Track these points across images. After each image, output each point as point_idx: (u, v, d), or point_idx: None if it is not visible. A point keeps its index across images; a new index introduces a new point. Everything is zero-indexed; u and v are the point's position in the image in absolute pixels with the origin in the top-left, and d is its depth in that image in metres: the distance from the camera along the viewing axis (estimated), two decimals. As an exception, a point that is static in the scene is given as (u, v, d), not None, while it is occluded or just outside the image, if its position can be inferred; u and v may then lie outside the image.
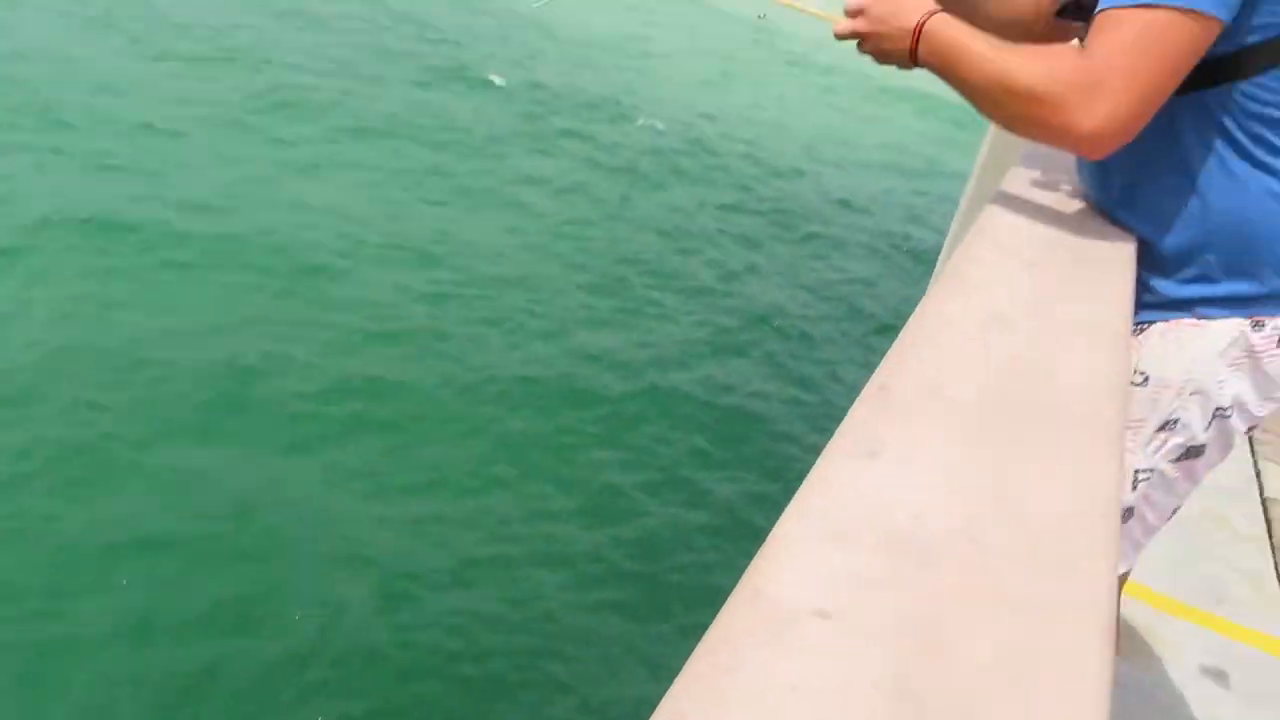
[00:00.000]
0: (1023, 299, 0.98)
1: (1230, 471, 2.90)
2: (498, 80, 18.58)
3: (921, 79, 1.45)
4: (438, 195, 13.77)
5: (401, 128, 16.38)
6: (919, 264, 11.74)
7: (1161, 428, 1.31)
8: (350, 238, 11.82)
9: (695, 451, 8.21)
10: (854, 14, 1.24)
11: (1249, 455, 3.00)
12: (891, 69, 1.32)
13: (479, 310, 10.68)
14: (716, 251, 14.35)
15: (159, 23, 18.65)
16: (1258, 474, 2.89)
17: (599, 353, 10.28)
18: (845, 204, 18.53)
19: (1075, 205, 1.35)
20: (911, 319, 0.88)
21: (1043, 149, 1.57)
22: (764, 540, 0.57)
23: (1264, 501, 2.75)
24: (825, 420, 7.99)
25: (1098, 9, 1.08)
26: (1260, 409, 1.32)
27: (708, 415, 9.53)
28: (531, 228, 13.14)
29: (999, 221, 1.22)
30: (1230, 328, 1.25)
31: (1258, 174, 1.19)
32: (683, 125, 21.22)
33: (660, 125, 19.25)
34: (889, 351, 0.81)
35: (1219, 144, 1.18)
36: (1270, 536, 2.59)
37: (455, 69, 19.95)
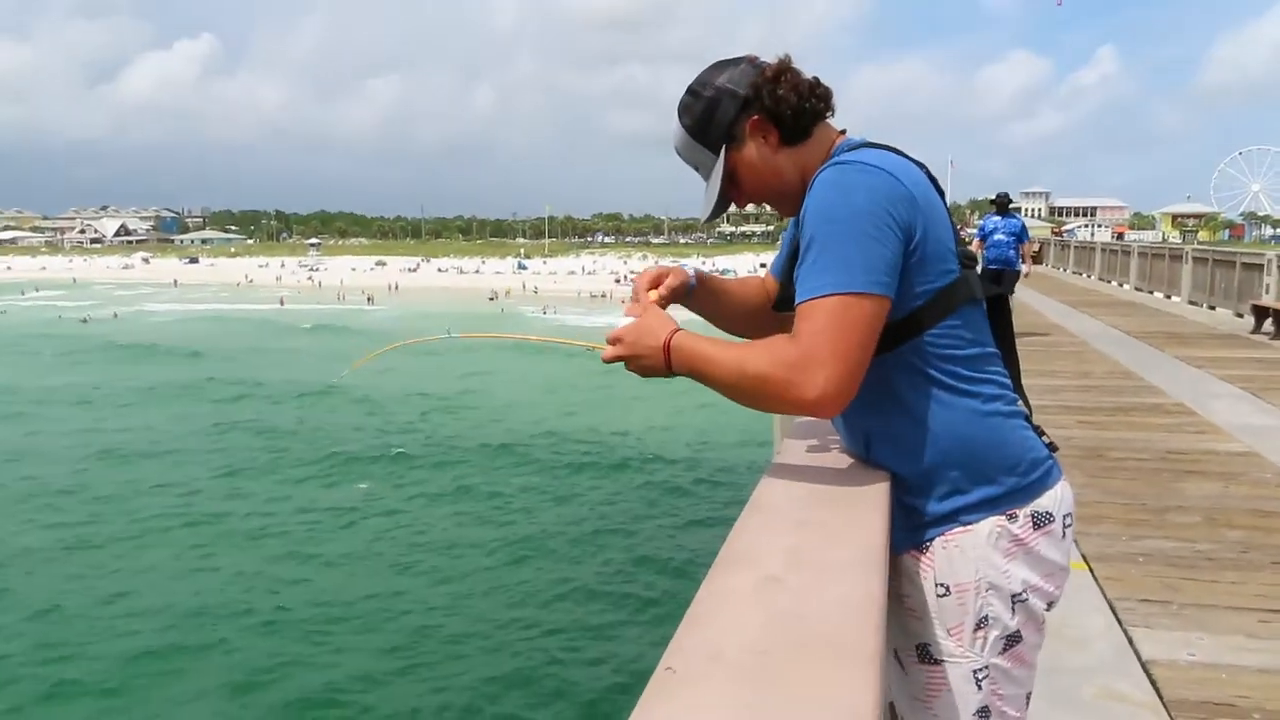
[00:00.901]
0: (791, 556, 1.15)
1: (1107, 644, 3.05)
2: (362, 486, 19.19)
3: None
4: (350, 576, 14.17)
5: (284, 528, 16.59)
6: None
7: (978, 627, 1.46)
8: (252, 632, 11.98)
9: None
10: (614, 342, 1.50)
11: (1117, 625, 3.18)
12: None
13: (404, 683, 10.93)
14: (626, 543, 15.66)
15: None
16: (1130, 641, 3.05)
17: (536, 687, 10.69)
18: (710, 483, 19.79)
19: (838, 460, 1.58)
20: (694, 599, 1.02)
21: (809, 420, 1.85)
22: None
23: (1144, 665, 2.89)
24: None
25: (795, 304, 1.37)
26: (1050, 585, 1.50)
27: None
28: (450, 586, 13.60)
29: (771, 490, 1.42)
30: (991, 526, 1.46)
31: (962, 400, 1.46)
32: (558, 449, 22.62)
33: (534, 465, 20.54)
34: (674, 634, 0.94)
35: (924, 384, 1.46)
36: (1161, 698, 2.70)
37: (318, 475, 20.61)
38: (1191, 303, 15.58)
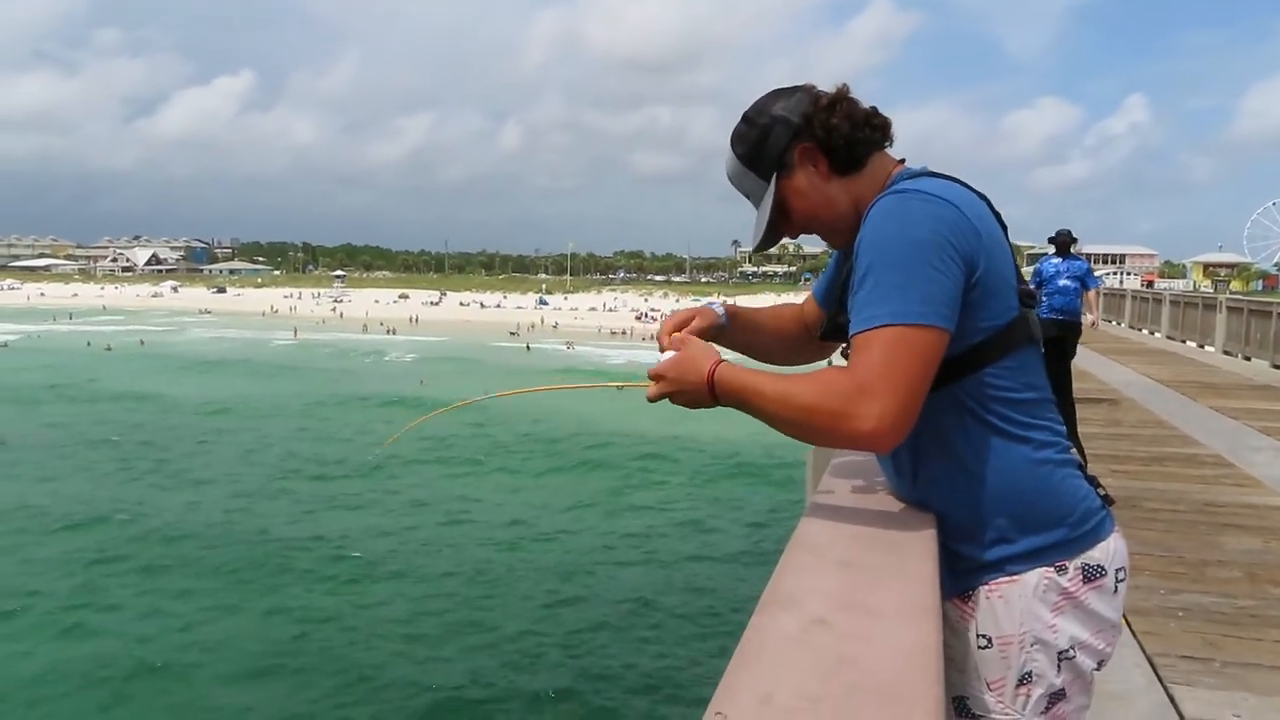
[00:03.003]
0: (837, 598, 1.10)
1: (1148, 702, 2.94)
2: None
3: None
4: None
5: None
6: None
7: (1020, 683, 1.40)
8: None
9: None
10: (656, 378, 1.47)
11: (1158, 682, 3.07)
12: None
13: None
14: (648, 547, 16.98)
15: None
16: (1171, 699, 2.94)
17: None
18: (738, 513, 20.19)
19: (880, 502, 1.53)
20: (741, 641, 0.98)
21: (848, 458, 1.80)
22: None
23: (1188, 726, 2.78)
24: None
25: (850, 334, 1.32)
26: (1100, 642, 1.43)
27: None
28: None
29: (813, 530, 1.38)
30: (1039, 577, 1.40)
31: (1014, 445, 1.40)
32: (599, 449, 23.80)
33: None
34: (722, 677, 0.89)
35: (977, 426, 1.40)
36: (1207, 761, 2.59)
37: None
38: (1226, 353, 15.34)
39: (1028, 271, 9.62)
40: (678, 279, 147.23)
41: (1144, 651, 3.29)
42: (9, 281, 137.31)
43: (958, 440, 1.41)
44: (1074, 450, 1.50)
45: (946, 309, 1.29)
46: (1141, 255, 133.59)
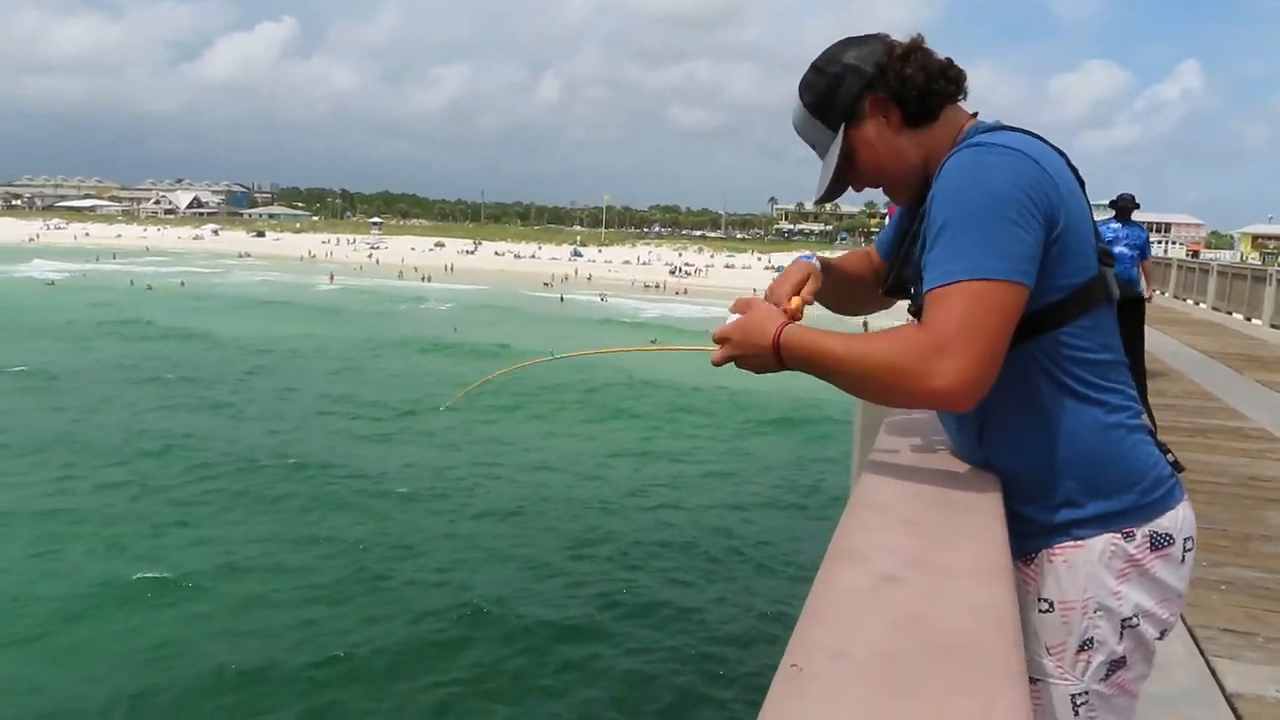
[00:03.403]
0: (905, 556, 1.09)
1: (1187, 673, 2.91)
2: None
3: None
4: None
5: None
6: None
7: (1081, 649, 1.38)
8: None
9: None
10: (721, 341, 1.44)
11: (1198, 653, 3.04)
12: None
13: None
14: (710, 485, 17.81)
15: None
16: (1213, 672, 2.91)
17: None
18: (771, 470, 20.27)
19: (941, 458, 1.51)
20: (810, 594, 0.97)
21: (903, 415, 1.77)
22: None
23: (1229, 699, 2.75)
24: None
25: (925, 289, 1.28)
26: (1165, 612, 1.41)
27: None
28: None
29: (875, 486, 1.36)
30: (1105, 544, 1.37)
31: (1086, 407, 1.37)
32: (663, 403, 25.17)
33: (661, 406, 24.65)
34: (795, 629, 0.89)
35: (1049, 386, 1.36)
36: (1248, 734, 2.57)
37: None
38: (1274, 326, 14.95)
39: None
40: (713, 234, 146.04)
41: (1185, 622, 3.25)
42: (55, 221, 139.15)
43: (1029, 400, 1.37)
44: (1145, 416, 1.46)
45: (1026, 265, 1.25)
46: (1188, 224, 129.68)
